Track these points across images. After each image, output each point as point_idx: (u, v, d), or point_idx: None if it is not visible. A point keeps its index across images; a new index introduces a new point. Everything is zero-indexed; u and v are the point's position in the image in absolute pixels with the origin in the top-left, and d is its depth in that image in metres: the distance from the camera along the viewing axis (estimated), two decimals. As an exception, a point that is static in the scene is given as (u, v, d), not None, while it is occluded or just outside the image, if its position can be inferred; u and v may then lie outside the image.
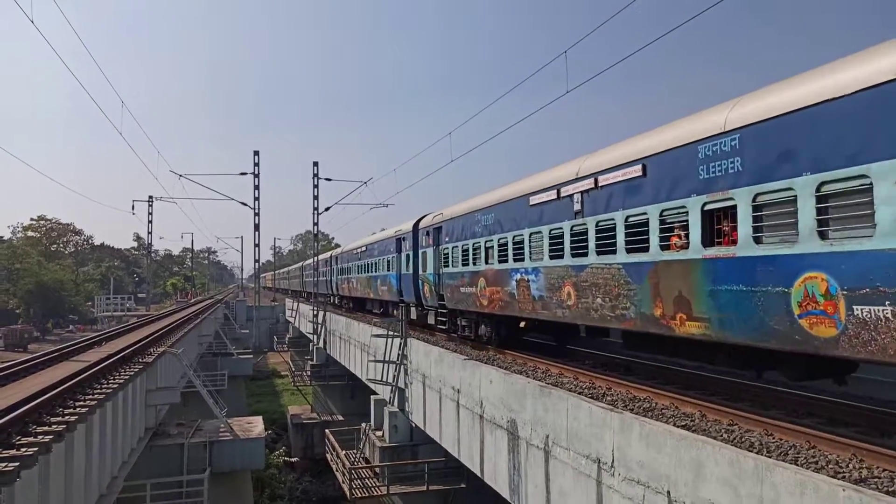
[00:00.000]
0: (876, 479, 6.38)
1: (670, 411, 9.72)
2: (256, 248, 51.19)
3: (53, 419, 10.38)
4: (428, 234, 21.54)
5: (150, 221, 58.89)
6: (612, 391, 11.51)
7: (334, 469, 28.13)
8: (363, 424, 26.41)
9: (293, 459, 40.96)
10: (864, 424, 8.29)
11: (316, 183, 43.46)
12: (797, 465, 6.84)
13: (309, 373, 46.46)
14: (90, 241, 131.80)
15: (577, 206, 11.89)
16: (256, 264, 55.02)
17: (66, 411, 11.05)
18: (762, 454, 7.26)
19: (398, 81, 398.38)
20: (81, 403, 11.80)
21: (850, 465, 6.83)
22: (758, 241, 7.81)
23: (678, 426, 8.61)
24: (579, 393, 11.14)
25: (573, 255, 12.02)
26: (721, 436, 8.16)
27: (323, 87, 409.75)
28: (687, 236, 9.09)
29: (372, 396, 25.38)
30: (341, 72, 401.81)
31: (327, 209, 44.81)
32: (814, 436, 7.76)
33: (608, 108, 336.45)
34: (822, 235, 7.00)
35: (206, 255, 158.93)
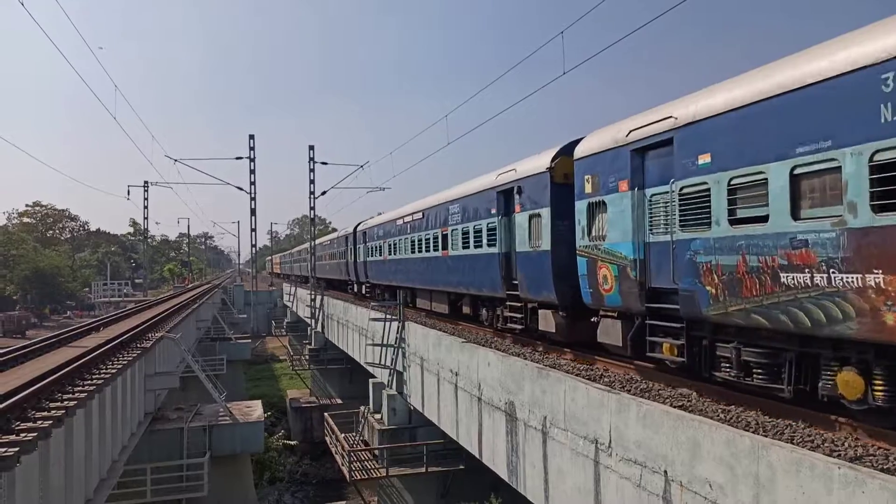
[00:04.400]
0: (871, 457, 6.44)
1: (667, 392, 9.77)
2: (253, 233, 51.18)
3: (53, 405, 10.39)
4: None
5: (145, 207, 58.78)
6: (610, 372, 11.57)
7: (333, 452, 28.29)
8: (362, 407, 26.51)
9: (293, 443, 41.20)
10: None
11: (312, 167, 43.31)
12: (793, 443, 6.89)
13: (307, 357, 46.57)
14: (86, 227, 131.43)
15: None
16: (253, 249, 54.98)
17: (66, 397, 11.07)
18: (758, 433, 7.32)
19: (396, 64, 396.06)
20: (80, 389, 11.82)
21: (846, 444, 6.89)
22: None
23: (675, 406, 8.66)
24: (577, 374, 11.20)
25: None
26: (717, 415, 8.22)
27: (319, 69, 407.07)
28: None
29: (370, 380, 25.46)
30: (338, 54, 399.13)
31: (324, 193, 44.72)
32: (810, 415, 7.81)
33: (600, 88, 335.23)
34: None
35: (203, 240, 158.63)
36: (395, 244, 26.22)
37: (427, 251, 21.79)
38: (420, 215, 22.71)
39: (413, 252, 23.47)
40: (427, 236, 21.85)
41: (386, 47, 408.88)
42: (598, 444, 9.51)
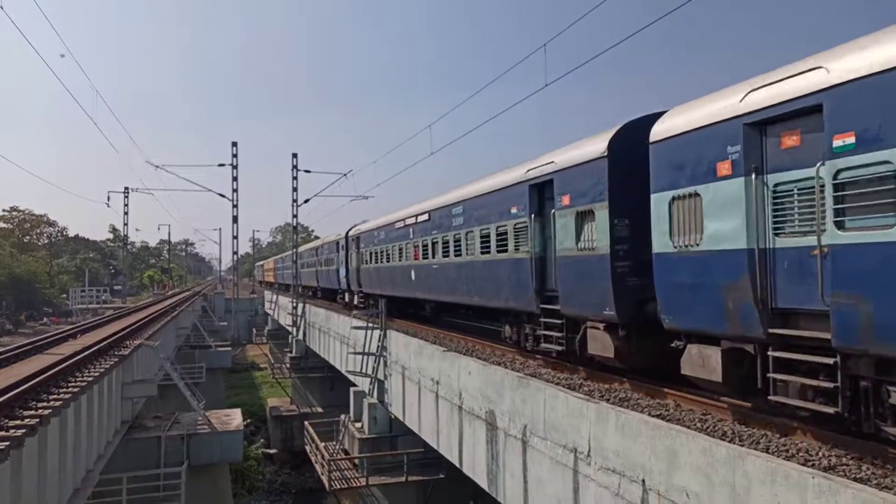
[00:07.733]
0: (844, 467, 6.53)
1: (645, 401, 9.84)
2: (235, 240, 50.87)
3: (27, 412, 10.23)
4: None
5: (125, 213, 58.13)
6: (589, 382, 11.63)
7: (313, 461, 28.10)
8: (342, 416, 26.40)
9: (272, 451, 40.87)
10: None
11: (295, 174, 43.17)
12: (769, 453, 6.97)
13: (288, 365, 46.31)
14: (64, 233, 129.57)
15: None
16: (235, 256, 54.62)
17: (40, 404, 10.90)
18: (735, 443, 7.39)
19: (382, 75, 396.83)
20: (56, 396, 11.64)
21: (820, 454, 6.97)
22: None
23: (653, 416, 8.72)
24: (556, 384, 11.24)
25: None
26: (695, 425, 8.29)
27: (303, 77, 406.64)
28: None
29: (351, 388, 25.36)
30: (323, 61, 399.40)
31: (306, 201, 44.59)
32: (785, 425, 7.91)
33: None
34: None
35: (184, 246, 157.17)
36: None
37: None
38: None
39: None
40: None
41: (372, 58, 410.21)
42: (577, 453, 9.55)
